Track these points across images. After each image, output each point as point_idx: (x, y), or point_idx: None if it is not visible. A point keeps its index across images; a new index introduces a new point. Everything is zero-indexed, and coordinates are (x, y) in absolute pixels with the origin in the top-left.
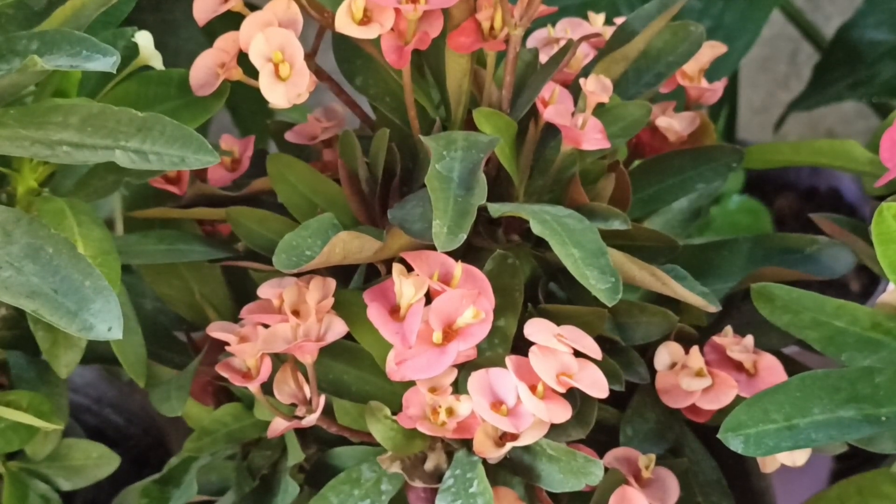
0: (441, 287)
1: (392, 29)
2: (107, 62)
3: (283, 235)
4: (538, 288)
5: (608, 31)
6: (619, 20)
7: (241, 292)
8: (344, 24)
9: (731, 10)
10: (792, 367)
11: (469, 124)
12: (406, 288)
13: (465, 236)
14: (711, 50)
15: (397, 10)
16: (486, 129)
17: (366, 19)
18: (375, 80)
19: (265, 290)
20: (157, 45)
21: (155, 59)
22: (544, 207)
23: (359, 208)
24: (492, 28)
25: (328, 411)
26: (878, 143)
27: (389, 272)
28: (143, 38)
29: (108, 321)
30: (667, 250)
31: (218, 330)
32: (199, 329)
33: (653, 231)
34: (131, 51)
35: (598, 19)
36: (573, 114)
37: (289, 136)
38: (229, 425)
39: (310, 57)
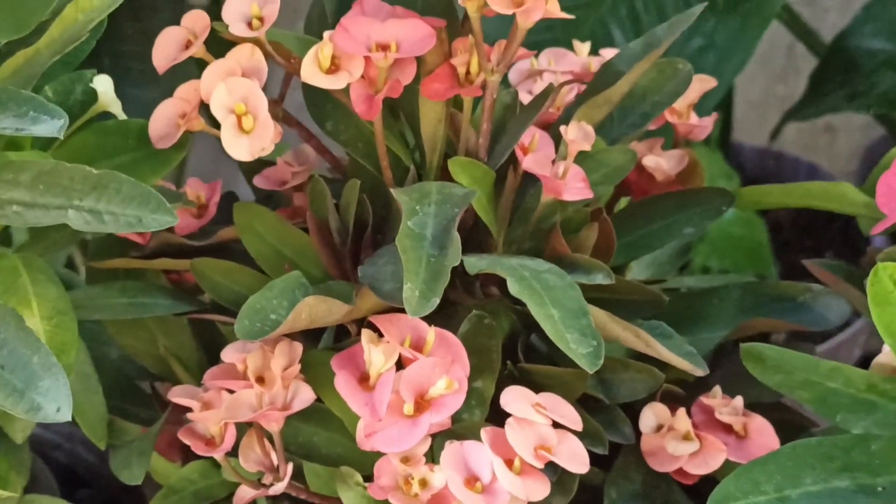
0: (412, 355)
1: (362, 76)
2: (54, 126)
3: (251, 288)
4: (517, 343)
5: (594, 62)
6: (605, 52)
7: (208, 344)
8: (310, 73)
9: (723, 28)
10: (787, 415)
11: (446, 171)
12: (375, 356)
13: (438, 300)
14: (700, 84)
15: (367, 58)
16: (462, 179)
17: (333, 67)
18: (347, 124)
19: (229, 354)
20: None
21: (114, 106)
22: (523, 261)
23: (329, 261)
24: (468, 73)
25: (298, 474)
26: (873, 185)
27: (360, 333)
28: (102, 84)
29: (56, 401)
30: (652, 305)
31: (180, 395)
32: (166, 380)
33: (637, 285)
34: (90, 95)
35: (583, 49)
36: (554, 161)
37: (258, 181)
38: (197, 483)
39: (277, 103)
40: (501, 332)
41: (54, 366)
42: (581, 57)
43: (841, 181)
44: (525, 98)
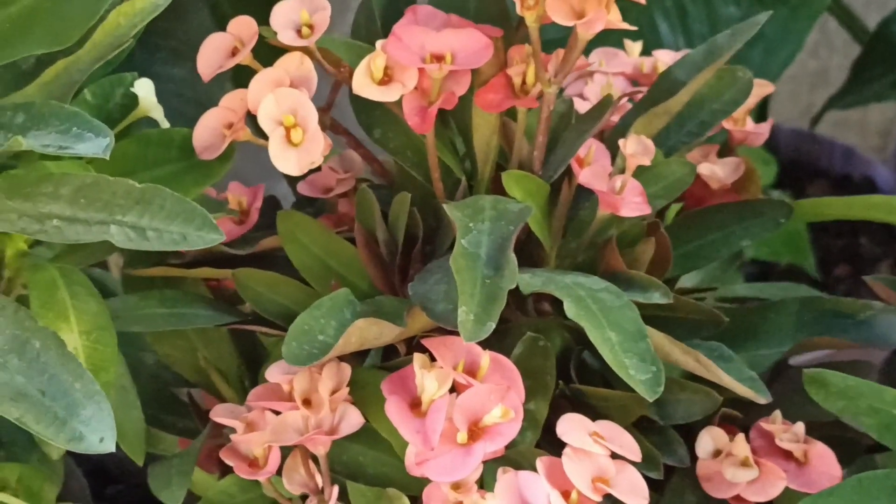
0: (466, 380)
1: (415, 88)
2: (99, 144)
3: (294, 300)
4: (570, 360)
5: (645, 63)
6: (658, 54)
7: (248, 354)
8: (362, 85)
9: (772, 20)
10: (846, 433)
11: (497, 182)
12: (428, 383)
13: (494, 325)
14: (759, 90)
15: (421, 70)
16: (515, 192)
17: (386, 78)
18: (396, 132)
19: (274, 374)
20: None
21: (156, 111)
22: (577, 279)
23: (377, 274)
24: (524, 83)
25: (342, 494)
26: None
27: (409, 352)
28: (143, 88)
29: (99, 431)
30: (711, 324)
31: (223, 414)
32: (203, 389)
33: (696, 304)
34: (130, 99)
35: (634, 48)
36: (611, 174)
37: (302, 188)
38: (235, 497)
39: (325, 111)
40: (554, 350)
41: (97, 393)
42: (633, 57)
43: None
44: (580, 105)
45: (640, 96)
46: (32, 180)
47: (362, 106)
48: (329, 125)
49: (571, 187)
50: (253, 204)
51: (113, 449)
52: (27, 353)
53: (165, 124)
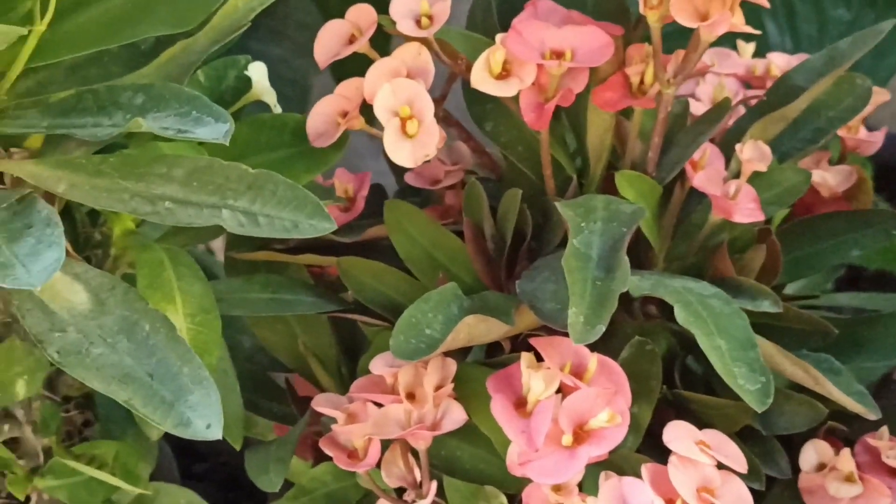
0: (574, 383)
1: (533, 83)
2: (219, 129)
3: (398, 291)
4: (674, 364)
5: (758, 66)
6: (773, 57)
7: (348, 342)
8: (480, 79)
9: (883, 21)
10: None
11: (608, 180)
12: (535, 383)
13: (604, 328)
14: (876, 97)
15: (539, 66)
16: (628, 193)
17: (504, 73)
18: (507, 126)
19: (378, 366)
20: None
21: (268, 95)
22: (687, 283)
23: (483, 269)
24: (641, 83)
25: (438, 489)
26: None
27: (514, 349)
28: (257, 71)
29: (206, 416)
30: (819, 335)
31: (324, 404)
32: (300, 374)
33: (806, 315)
34: (243, 82)
35: (747, 49)
36: (725, 179)
37: (409, 178)
38: (329, 485)
39: (438, 102)
40: (659, 353)
41: (205, 379)
42: (745, 59)
43: None
44: (693, 105)
45: (754, 100)
46: (146, 161)
47: (475, 98)
48: (442, 116)
49: (684, 189)
50: (359, 192)
51: (220, 436)
52: (136, 334)
53: (277, 109)
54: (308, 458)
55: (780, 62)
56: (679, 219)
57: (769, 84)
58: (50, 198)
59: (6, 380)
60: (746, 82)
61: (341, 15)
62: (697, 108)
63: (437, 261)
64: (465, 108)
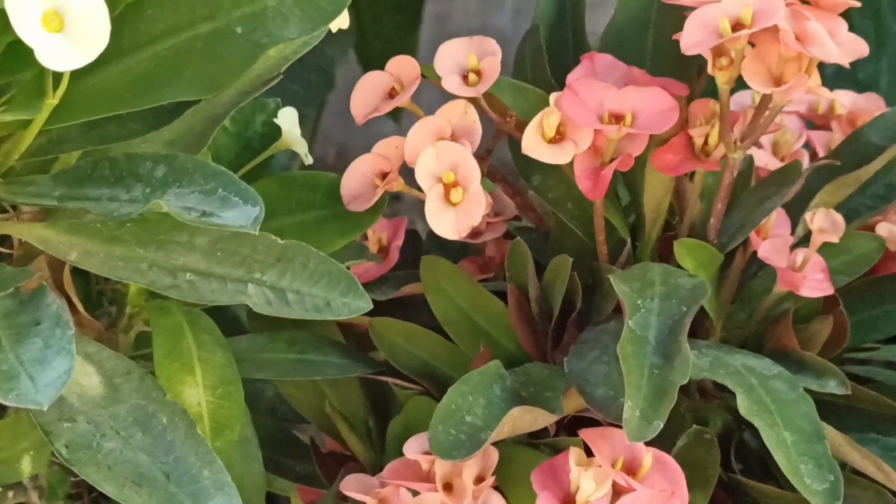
0: (627, 482)
1: (588, 147)
2: (247, 213)
3: (433, 354)
4: (730, 442)
5: (821, 103)
6: (839, 95)
7: (377, 400)
8: (532, 144)
9: None
10: None
11: (664, 243)
12: (585, 482)
13: (662, 424)
14: None
15: (597, 130)
16: (686, 263)
17: (558, 136)
18: (556, 181)
19: (413, 449)
20: None
21: (299, 145)
22: (747, 360)
23: (527, 337)
24: (705, 143)
25: None
26: None
27: (558, 432)
28: (287, 118)
29: None
30: (889, 419)
31: (354, 488)
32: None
33: (877, 397)
34: (271, 128)
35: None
36: (791, 246)
37: None
38: None
39: (483, 159)
40: (713, 431)
41: (227, 485)
42: (810, 94)
43: None
44: (758, 156)
45: (822, 154)
46: (166, 227)
47: (520, 150)
48: (486, 172)
49: (746, 254)
50: (393, 241)
51: None
52: (152, 428)
53: (309, 160)
54: None
55: (844, 101)
56: (739, 284)
57: (832, 123)
58: (59, 263)
59: (11, 457)
60: (809, 120)
61: (382, 61)
62: (758, 155)
63: (476, 324)
64: (509, 157)
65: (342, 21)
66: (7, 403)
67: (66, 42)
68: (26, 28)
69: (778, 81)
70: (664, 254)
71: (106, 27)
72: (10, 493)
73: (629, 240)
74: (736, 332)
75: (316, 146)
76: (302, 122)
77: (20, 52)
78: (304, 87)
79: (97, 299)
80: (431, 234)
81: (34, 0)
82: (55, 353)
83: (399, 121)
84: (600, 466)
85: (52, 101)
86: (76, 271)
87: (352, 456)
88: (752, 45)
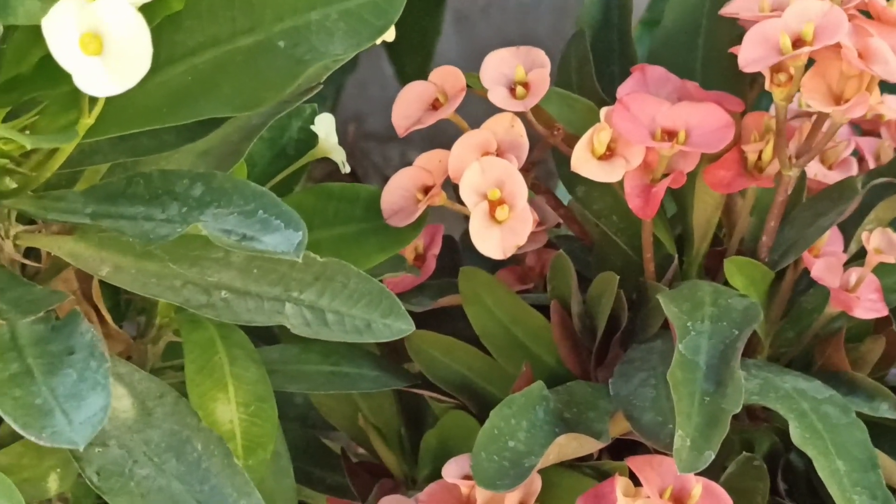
0: None
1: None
2: (289, 239)
3: (470, 368)
4: (777, 464)
5: (881, 107)
6: (888, 101)
7: (412, 412)
8: (582, 161)
9: None
10: None
11: (712, 258)
12: None
13: (714, 455)
14: None
15: (649, 147)
16: (736, 281)
17: (608, 153)
18: (601, 192)
19: (452, 473)
20: None
21: (336, 153)
22: (798, 383)
23: (569, 355)
24: (759, 158)
25: None
26: None
27: (601, 454)
28: (324, 126)
29: None
30: None
31: None
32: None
33: None
34: (307, 134)
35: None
36: (844, 264)
37: None
38: None
39: (527, 171)
40: (760, 453)
41: None
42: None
43: None
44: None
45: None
46: (201, 243)
47: (565, 160)
48: (530, 185)
49: (797, 271)
50: (430, 250)
51: None
52: (186, 454)
53: (346, 169)
54: None
55: (893, 105)
56: (789, 301)
57: (881, 130)
58: (88, 277)
59: (37, 475)
60: (856, 125)
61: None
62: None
63: (516, 338)
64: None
65: (389, 35)
66: (40, 443)
67: (104, 66)
68: (64, 51)
69: (838, 99)
70: (711, 268)
71: (148, 51)
72: None
73: (676, 255)
74: (784, 350)
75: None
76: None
77: (54, 68)
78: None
79: (125, 309)
80: (465, 237)
81: (72, 21)
82: (90, 387)
83: None
84: (648, 497)
85: (89, 120)
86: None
87: (383, 467)
88: (812, 60)
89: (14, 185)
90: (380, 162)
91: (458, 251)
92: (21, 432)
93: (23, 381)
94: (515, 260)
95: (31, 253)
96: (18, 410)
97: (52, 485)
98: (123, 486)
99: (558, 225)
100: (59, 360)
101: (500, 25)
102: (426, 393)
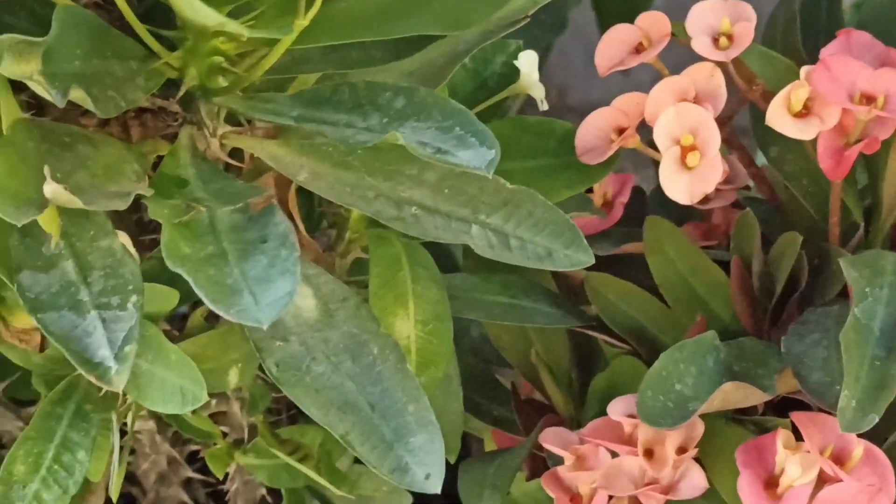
0: (834, 472)
1: (834, 126)
2: (482, 156)
3: (646, 315)
4: None
5: None
6: None
7: (583, 353)
8: (777, 116)
9: None
10: None
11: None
12: (791, 467)
13: (878, 418)
14: None
15: (845, 109)
16: None
17: (804, 111)
18: (794, 155)
19: (617, 411)
20: None
21: (536, 90)
22: None
23: (745, 311)
24: None
25: None
26: None
27: (765, 411)
28: (527, 61)
29: (427, 465)
30: None
31: (553, 441)
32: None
33: None
34: (510, 69)
35: None
36: None
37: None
38: (542, 502)
39: (723, 124)
40: None
41: (431, 423)
42: None
43: None
44: None
45: None
46: (396, 158)
47: (761, 119)
48: (725, 139)
49: None
50: (618, 197)
51: (438, 490)
52: (363, 357)
53: (544, 106)
54: (523, 468)
55: None
56: None
57: None
58: (286, 182)
59: (220, 367)
60: None
61: (620, 15)
62: None
63: (694, 291)
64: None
65: None
66: (227, 318)
67: None
68: None
69: None
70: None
71: None
72: (213, 402)
73: (863, 224)
74: None
75: None
76: None
77: None
78: (535, 26)
79: (318, 221)
80: (655, 192)
81: None
82: (279, 272)
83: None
84: (808, 452)
85: (303, 22)
86: (300, 191)
87: (550, 406)
88: None
89: (226, 84)
90: None
91: (645, 204)
92: (211, 307)
93: (217, 261)
94: (701, 216)
95: (235, 156)
96: (211, 287)
97: (233, 378)
98: (299, 379)
99: (747, 188)
100: (252, 246)
101: None
102: (599, 335)
